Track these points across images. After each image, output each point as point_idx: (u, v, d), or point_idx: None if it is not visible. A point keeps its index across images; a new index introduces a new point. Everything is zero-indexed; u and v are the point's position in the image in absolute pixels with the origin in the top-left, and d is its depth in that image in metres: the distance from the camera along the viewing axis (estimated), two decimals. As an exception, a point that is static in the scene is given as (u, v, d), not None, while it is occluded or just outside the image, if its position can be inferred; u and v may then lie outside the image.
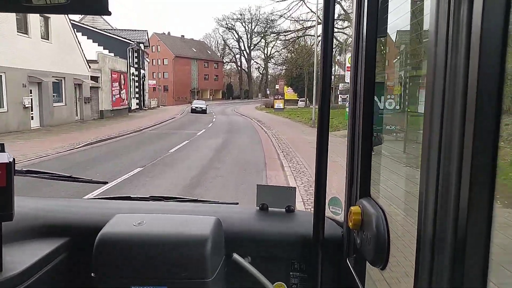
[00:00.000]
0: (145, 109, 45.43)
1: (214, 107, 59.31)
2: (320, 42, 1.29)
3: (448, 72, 0.66)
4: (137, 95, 43.76)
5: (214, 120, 34.39)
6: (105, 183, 2.35)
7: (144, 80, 47.13)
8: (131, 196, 1.80)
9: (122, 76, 34.78)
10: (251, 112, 48.19)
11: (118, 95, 33.54)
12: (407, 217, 0.97)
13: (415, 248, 0.75)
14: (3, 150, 1.09)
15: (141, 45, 43.94)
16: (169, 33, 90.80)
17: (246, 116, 40.13)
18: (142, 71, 45.58)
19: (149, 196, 1.79)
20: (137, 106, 43.62)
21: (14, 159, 1.08)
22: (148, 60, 55.45)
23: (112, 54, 36.75)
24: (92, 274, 1.26)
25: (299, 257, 1.47)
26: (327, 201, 1.40)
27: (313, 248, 1.38)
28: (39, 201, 1.65)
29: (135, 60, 43.06)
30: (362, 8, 1.16)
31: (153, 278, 1.23)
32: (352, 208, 1.15)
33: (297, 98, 63.34)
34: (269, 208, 1.59)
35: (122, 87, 34.71)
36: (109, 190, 8.29)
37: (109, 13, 0.96)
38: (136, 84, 43.56)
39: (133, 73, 41.70)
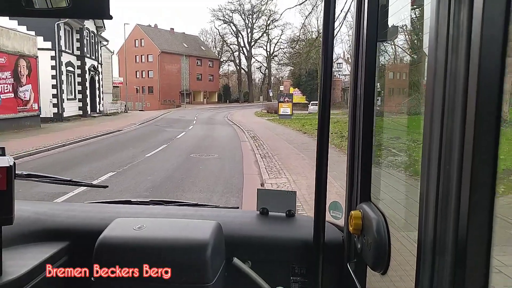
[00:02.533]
0: (94, 116, 31.77)
1: (203, 113, 46.11)
2: (321, 43, 1.26)
3: (448, 76, 0.67)
4: (79, 96, 30.12)
5: (180, 136, 20.69)
6: (105, 186, 2.06)
7: (96, 74, 33.51)
8: (131, 200, 1.79)
9: (23, 62, 20.80)
10: (248, 119, 34.60)
11: (12, 94, 19.65)
12: (408, 221, 0.96)
13: (416, 252, 0.75)
14: (3, 154, 1.09)
15: (87, 23, 30.40)
16: (156, 25, 77.71)
17: (238, 127, 26.61)
18: (91, 62, 31.97)
19: (149, 200, 1.78)
20: (80, 112, 29.95)
21: (14, 163, 1.08)
22: (112, 51, 41.95)
23: (33, 33, 23.34)
24: (92, 278, 1.24)
25: (299, 262, 1.45)
26: (327, 205, 1.37)
27: (314, 253, 1.35)
28: (39, 205, 1.64)
29: (76, 44, 29.45)
30: (362, 12, 1.15)
31: (153, 282, 1.21)
32: (352, 212, 1.14)
33: (307, 102, 50.66)
34: (270, 213, 1.58)
35: (24, 80, 20.83)
36: None
37: (110, 17, 0.95)
38: (79, 79, 29.96)
39: (69, 62, 28.02)
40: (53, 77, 25.88)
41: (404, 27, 1.13)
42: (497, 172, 0.59)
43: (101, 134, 19.39)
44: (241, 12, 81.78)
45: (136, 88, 67.82)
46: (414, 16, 1.05)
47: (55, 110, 26.21)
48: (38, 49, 23.78)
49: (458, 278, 0.65)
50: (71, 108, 28.15)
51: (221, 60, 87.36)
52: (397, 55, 1.30)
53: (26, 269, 1.16)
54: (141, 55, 72.60)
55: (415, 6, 1.04)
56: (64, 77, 27.13)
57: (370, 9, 1.12)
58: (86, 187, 6.84)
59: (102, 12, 0.96)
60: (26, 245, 1.32)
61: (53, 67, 25.78)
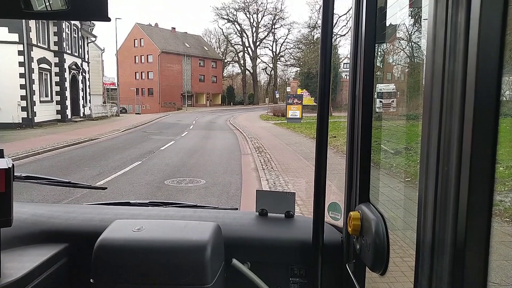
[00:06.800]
0: (75, 121, 27.75)
1: (203, 116, 42.18)
2: (319, 43, 1.27)
3: (446, 77, 0.67)
4: (57, 98, 26.14)
5: (165, 146, 16.56)
6: (105, 188, 2.08)
7: (79, 73, 29.52)
8: (130, 201, 1.79)
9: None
10: (253, 124, 30.50)
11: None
12: (406, 222, 0.94)
13: (415, 253, 0.75)
14: (2, 156, 1.09)
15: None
16: (156, 24, 73.95)
17: (241, 133, 22.53)
18: (72, 59, 28.01)
19: (149, 202, 1.78)
20: (58, 116, 25.98)
21: (13, 164, 1.08)
22: (102, 48, 38.04)
23: (6, 29, 19.68)
24: (91, 280, 1.24)
25: (298, 263, 1.45)
26: (326, 206, 1.37)
27: (313, 254, 1.36)
28: (38, 207, 1.62)
29: (53, 38, 25.50)
30: (360, 14, 1.16)
31: (152, 284, 1.22)
32: (351, 213, 1.15)
33: (315, 104, 46.31)
34: (269, 214, 1.58)
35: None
36: None
37: (108, 19, 0.98)
38: (56, 79, 25.99)
39: (42, 58, 24.05)
40: (21, 75, 21.93)
41: (402, 29, 1.12)
42: (495, 173, 0.59)
43: (61, 146, 15.29)
44: (245, 10, 77.95)
45: (136, 90, 63.98)
46: (412, 17, 1.02)
47: (24, 114, 22.27)
48: (0, 42, 19.87)
49: (457, 279, 0.65)
50: (45, 112, 24.16)
51: (225, 61, 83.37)
52: (395, 56, 1.29)
53: (25, 271, 1.16)
54: (141, 56, 68.75)
55: (413, 8, 1.02)
56: (36, 76, 23.16)
57: (368, 10, 1.12)
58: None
59: (101, 14, 0.97)
60: (25, 247, 1.31)
61: (21, 64, 21.83)
